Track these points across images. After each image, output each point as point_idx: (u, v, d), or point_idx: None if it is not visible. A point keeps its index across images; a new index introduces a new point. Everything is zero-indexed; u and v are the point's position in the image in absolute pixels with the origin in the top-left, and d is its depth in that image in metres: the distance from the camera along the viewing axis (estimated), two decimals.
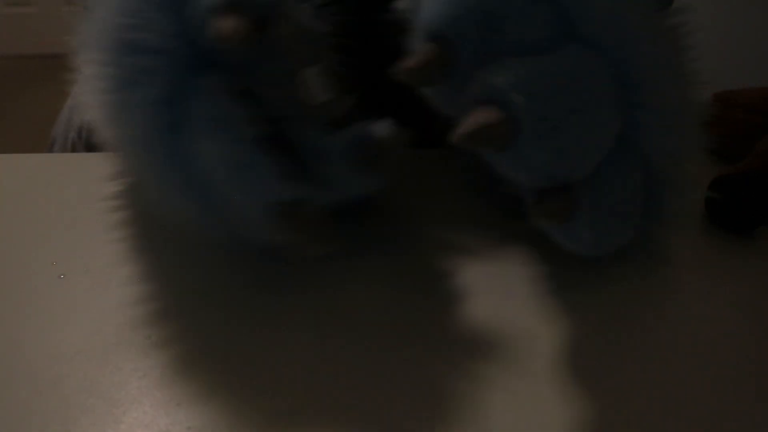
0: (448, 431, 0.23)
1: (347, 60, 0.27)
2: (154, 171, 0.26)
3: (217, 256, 0.30)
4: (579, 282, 0.30)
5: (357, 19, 0.27)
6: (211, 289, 0.29)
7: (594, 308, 0.28)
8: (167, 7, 0.25)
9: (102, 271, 0.30)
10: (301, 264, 0.30)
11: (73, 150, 0.59)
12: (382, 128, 0.26)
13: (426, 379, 0.24)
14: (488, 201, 0.31)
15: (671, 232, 0.31)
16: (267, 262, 0.30)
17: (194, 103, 0.25)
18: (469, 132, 0.23)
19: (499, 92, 0.23)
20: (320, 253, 0.24)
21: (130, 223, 0.32)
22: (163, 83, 0.25)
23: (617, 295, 0.29)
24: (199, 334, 0.26)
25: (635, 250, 0.30)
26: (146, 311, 0.27)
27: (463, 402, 0.24)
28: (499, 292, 0.29)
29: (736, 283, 0.30)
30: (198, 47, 0.25)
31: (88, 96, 0.27)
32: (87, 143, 0.57)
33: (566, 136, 0.24)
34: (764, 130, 0.37)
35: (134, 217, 0.33)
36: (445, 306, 0.28)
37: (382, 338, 0.26)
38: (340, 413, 0.23)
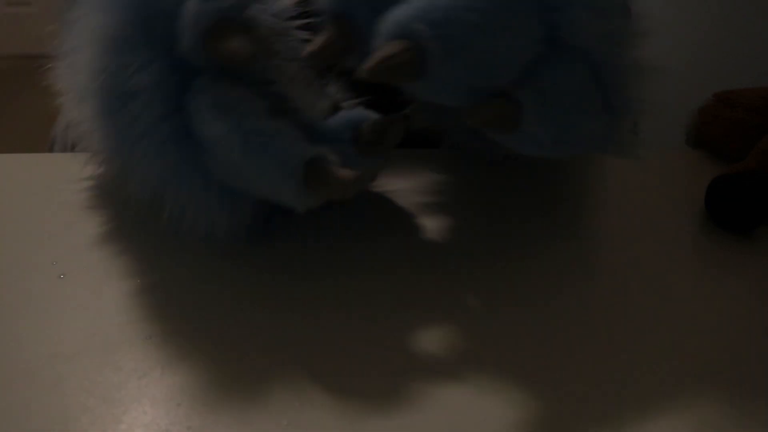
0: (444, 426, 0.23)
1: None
2: (173, 181, 0.27)
3: (218, 256, 0.30)
4: (579, 282, 0.30)
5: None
6: (210, 289, 0.29)
7: (594, 308, 0.28)
8: (157, 44, 0.26)
9: (102, 271, 0.30)
10: (299, 261, 0.30)
11: (73, 150, 0.59)
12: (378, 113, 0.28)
13: (427, 387, 0.24)
14: (469, 152, 0.32)
15: (633, 121, 0.31)
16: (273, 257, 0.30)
17: (195, 101, 0.26)
18: (375, 65, 0.24)
19: (400, 25, 0.24)
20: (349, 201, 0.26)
21: (122, 226, 0.32)
22: (163, 101, 0.26)
23: (617, 294, 0.29)
24: (198, 334, 0.26)
25: (602, 145, 0.30)
26: (146, 311, 0.27)
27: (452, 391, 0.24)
28: (493, 288, 0.29)
29: (736, 283, 0.30)
30: (186, 60, 0.26)
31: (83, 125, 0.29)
32: None
33: (474, 53, 0.25)
34: (764, 130, 0.37)
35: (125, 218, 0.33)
36: (436, 300, 0.28)
37: (383, 337, 0.26)
38: (340, 413, 0.23)
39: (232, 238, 0.29)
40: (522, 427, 0.23)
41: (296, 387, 0.24)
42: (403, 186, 0.36)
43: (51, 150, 0.59)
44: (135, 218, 0.33)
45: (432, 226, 0.33)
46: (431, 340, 0.26)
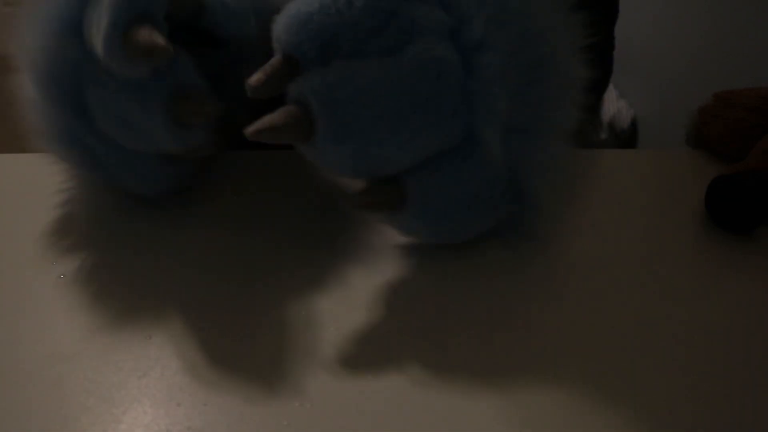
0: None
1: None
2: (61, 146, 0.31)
3: (218, 256, 0.30)
4: (579, 281, 0.30)
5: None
6: (210, 290, 0.29)
7: (594, 307, 0.28)
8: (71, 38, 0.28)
9: (102, 271, 0.30)
10: (303, 265, 0.30)
11: None
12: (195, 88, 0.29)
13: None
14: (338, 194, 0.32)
15: (543, 215, 0.31)
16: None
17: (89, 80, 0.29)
18: (262, 127, 0.25)
19: (301, 94, 0.25)
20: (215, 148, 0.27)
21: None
22: (70, 85, 0.29)
23: (617, 294, 0.29)
24: (199, 334, 0.26)
25: (508, 233, 0.31)
26: (146, 311, 0.27)
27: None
28: (493, 288, 0.29)
29: (736, 283, 0.30)
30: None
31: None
32: None
33: (364, 139, 0.26)
34: (764, 130, 0.37)
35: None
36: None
37: (383, 337, 0.26)
38: (340, 414, 0.23)
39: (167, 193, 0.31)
40: (522, 426, 0.23)
41: (296, 387, 0.24)
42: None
43: None
44: (121, 216, 0.33)
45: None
46: (431, 340, 0.26)
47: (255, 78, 0.25)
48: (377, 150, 0.26)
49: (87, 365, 0.25)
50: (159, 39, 0.25)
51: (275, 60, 0.26)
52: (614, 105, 1.31)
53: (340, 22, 0.25)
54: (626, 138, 1.29)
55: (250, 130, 0.25)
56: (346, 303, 0.28)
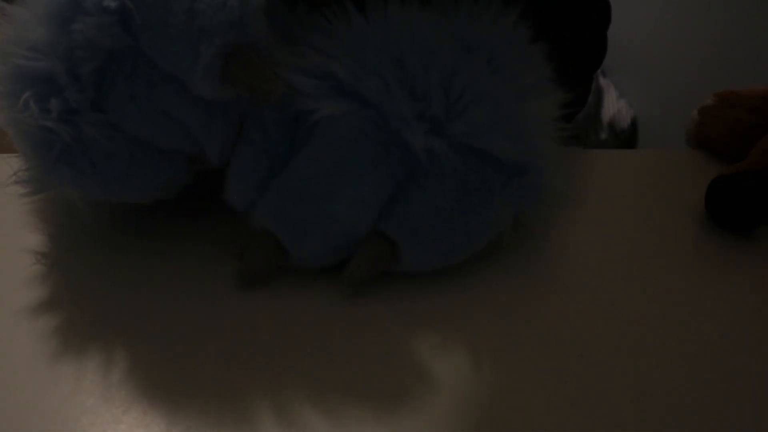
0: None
1: None
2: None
3: (217, 257, 0.30)
4: (579, 281, 0.30)
5: None
6: (210, 290, 0.29)
7: (594, 307, 0.28)
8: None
9: (103, 271, 0.30)
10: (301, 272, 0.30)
11: None
12: None
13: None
14: None
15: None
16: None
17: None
18: (248, 271, 0.28)
19: (257, 222, 0.28)
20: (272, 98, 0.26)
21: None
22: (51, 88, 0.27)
23: (617, 293, 0.29)
24: (199, 335, 0.26)
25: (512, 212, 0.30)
26: (146, 311, 0.27)
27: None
28: (492, 288, 0.29)
29: (736, 283, 0.30)
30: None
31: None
32: None
33: (324, 227, 0.27)
34: (764, 130, 0.37)
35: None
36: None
37: (382, 339, 0.26)
38: (340, 414, 0.23)
39: (165, 195, 0.30)
40: (522, 425, 0.23)
41: (296, 388, 0.24)
42: None
43: None
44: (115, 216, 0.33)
45: None
46: (431, 340, 0.26)
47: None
48: (340, 226, 0.27)
49: (87, 365, 0.25)
50: (272, 77, 0.25)
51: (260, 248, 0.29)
52: (614, 105, 1.31)
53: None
54: (626, 138, 1.29)
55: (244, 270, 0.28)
56: (346, 303, 0.28)
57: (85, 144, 0.27)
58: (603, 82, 1.24)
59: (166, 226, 0.32)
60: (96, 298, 0.28)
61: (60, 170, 0.27)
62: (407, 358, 0.26)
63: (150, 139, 0.28)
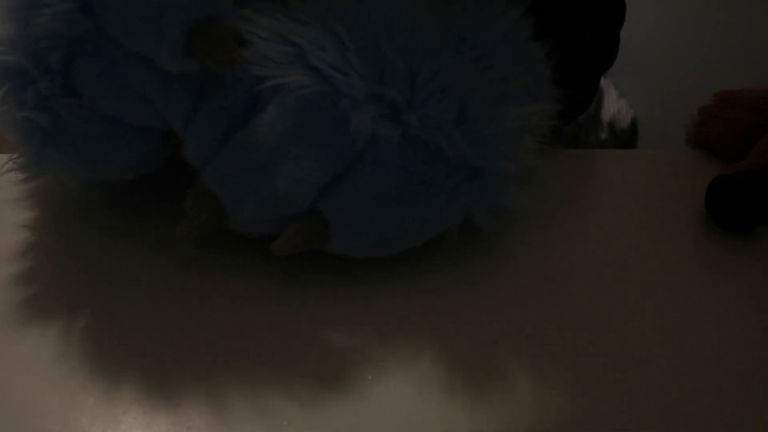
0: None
1: None
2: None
3: (220, 256, 0.30)
4: (579, 281, 0.30)
5: None
6: (210, 290, 0.29)
7: (594, 307, 0.28)
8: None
9: (102, 271, 0.30)
10: (300, 265, 0.30)
11: None
12: None
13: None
14: None
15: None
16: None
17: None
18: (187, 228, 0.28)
19: (199, 187, 0.28)
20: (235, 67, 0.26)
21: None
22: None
23: (617, 293, 0.29)
24: (199, 334, 0.26)
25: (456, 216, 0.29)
26: (146, 311, 0.27)
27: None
28: (492, 288, 0.29)
29: (736, 283, 0.30)
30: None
31: None
32: None
33: (262, 196, 0.27)
34: (764, 130, 0.37)
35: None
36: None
37: (382, 339, 0.26)
38: (340, 414, 0.23)
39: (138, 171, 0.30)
40: (523, 425, 0.23)
41: (296, 387, 0.24)
42: None
43: None
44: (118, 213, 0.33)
45: None
46: (431, 341, 0.26)
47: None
48: (281, 196, 0.27)
49: (87, 365, 0.25)
50: (236, 48, 0.25)
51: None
52: (614, 105, 1.31)
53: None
54: (626, 138, 1.29)
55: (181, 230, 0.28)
56: (346, 304, 0.28)
57: (64, 128, 0.28)
58: (603, 82, 1.24)
59: (167, 214, 0.32)
60: (96, 297, 0.28)
61: (46, 154, 0.29)
62: (399, 354, 0.26)
63: (122, 116, 0.28)
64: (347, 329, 0.27)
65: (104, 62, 0.27)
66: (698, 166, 0.39)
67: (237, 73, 0.27)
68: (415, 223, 0.28)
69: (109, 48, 0.27)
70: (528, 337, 0.27)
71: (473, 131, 0.27)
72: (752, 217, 0.33)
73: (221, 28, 0.26)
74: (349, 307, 0.28)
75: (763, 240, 0.33)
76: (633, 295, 0.29)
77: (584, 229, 0.34)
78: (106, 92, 0.27)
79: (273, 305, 0.28)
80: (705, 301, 0.29)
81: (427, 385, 0.24)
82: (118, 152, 0.29)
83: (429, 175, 0.27)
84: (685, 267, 0.31)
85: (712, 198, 0.34)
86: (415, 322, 0.27)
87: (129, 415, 0.23)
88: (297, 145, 0.26)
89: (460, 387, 0.24)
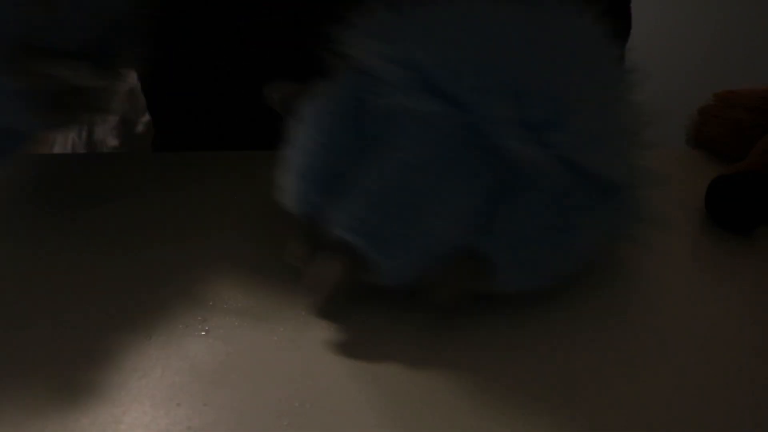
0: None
1: None
2: None
3: (218, 257, 0.30)
4: (578, 281, 0.30)
5: None
6: (210, 290, 0.29)
7: (594, 307, 0.28)
8: None
9: (102, 271, 0.30)
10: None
11: (73, 149, 0.60)
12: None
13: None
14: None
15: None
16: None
17: None
18: (315, 284, 0.25)
19: (340, 238, 0.25)
20: None
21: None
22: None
23: (617, 293, 0.29)
24: (199, 335, 0.26)
25: (611, 237, 0.28)
26: (146, 312, 0.27)
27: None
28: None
29: (736, 283, 0.30)
30: None
31: None
32: (87, 142, 0.57)
33: (410, 238, 0.24)
34: (764, 130, 0.37)
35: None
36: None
37: (382, 339, 0.26)
38: (340, 414, 0.23)
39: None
40: (522, 425, 0.23)
41: (296, 387, 0.24)
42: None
43: (51, 150, 0.59)
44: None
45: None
46: (431, 340, 0.26)
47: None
48: (427, 236, 0.24)
49: (87, 365, 0.25)
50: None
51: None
52: None
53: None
54: None
55: (318, 300, 0.26)
56: (345, 305, 0.28)
57: None
58: None
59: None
60: (96, 297, 0.28)
61: None
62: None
63: None
64: (349, 330, 0.27)
65: None
66: (698, 166, 0.39)
67: (331, 102, 0.24)
68: (576, 250, 0.26)
69: None
70: (525, 335, 0.27)
71: (609, 144, 0.26)
72: (752, 217, 0.33)
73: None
74: (350, 308, 0.28)
75: (763, 240, 0.33)
76: (633, 294, 0.29)
77: None
78: None
79: (272, 306, 0.28)
80: (705, 301, 0.29)
81: (423, 385, 0.24)
82: None
83: (581, 197, 0.25)
84: (685, 267, 0.31)
85: (712, 198, 0.34)
86: (412, 325, 0.27)
87: (129, 415, 0.23)
88: (446, 180, 0.24)
89: (457, 384, 0.24)
